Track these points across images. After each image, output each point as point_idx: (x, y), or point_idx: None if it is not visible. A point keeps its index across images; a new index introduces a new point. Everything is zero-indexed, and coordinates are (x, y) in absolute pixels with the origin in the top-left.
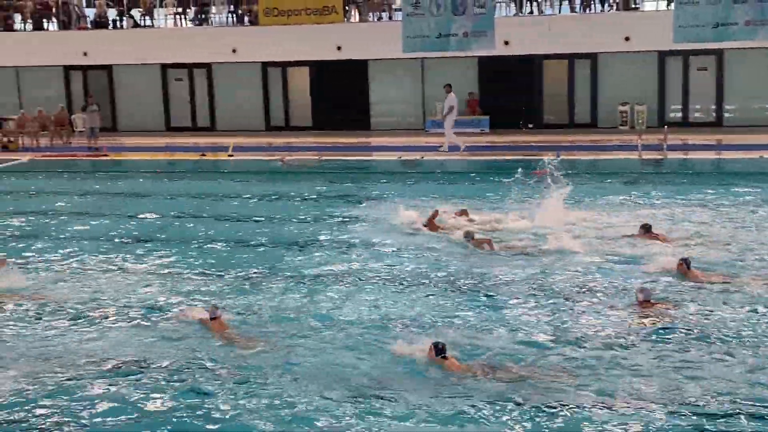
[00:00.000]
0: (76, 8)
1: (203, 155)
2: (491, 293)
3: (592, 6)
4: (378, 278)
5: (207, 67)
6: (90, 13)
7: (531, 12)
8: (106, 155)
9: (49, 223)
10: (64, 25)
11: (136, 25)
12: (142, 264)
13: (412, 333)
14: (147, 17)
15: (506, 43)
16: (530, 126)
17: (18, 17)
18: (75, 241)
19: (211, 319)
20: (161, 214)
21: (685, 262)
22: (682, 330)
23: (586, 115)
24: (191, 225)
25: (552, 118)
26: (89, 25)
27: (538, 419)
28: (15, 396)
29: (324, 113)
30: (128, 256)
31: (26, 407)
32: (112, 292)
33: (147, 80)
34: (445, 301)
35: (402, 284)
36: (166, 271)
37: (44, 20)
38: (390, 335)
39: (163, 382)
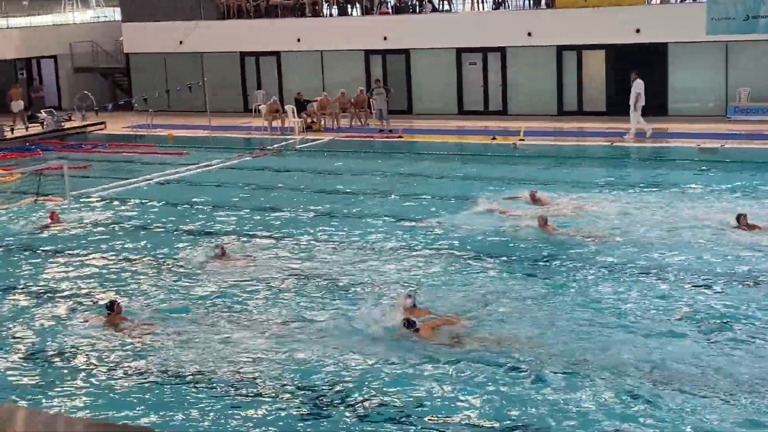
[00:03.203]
0: None
1: (494, 139)
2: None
3: None
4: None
5: (501, 51)
6: None
7: None
8: (400, 137)
9: (340, 199)
10: (366, 11)
11: (434, 10)
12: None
13: None
14: (445, 2)
15: None
16: None
17: (324, 4)
18: (361, 220)
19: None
20: (448, 195)
21: None
22: None
23: None
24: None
25: None
26: (390, 11)
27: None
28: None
29: (619, 98)
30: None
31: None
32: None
33: (442, 64)
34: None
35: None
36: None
37: (349, 6)
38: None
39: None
